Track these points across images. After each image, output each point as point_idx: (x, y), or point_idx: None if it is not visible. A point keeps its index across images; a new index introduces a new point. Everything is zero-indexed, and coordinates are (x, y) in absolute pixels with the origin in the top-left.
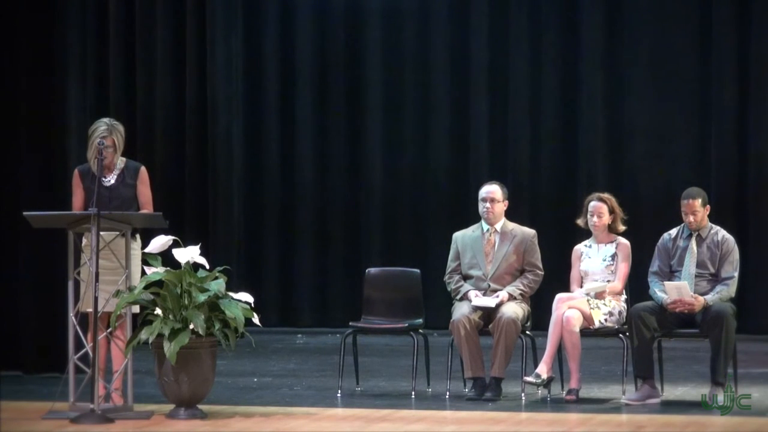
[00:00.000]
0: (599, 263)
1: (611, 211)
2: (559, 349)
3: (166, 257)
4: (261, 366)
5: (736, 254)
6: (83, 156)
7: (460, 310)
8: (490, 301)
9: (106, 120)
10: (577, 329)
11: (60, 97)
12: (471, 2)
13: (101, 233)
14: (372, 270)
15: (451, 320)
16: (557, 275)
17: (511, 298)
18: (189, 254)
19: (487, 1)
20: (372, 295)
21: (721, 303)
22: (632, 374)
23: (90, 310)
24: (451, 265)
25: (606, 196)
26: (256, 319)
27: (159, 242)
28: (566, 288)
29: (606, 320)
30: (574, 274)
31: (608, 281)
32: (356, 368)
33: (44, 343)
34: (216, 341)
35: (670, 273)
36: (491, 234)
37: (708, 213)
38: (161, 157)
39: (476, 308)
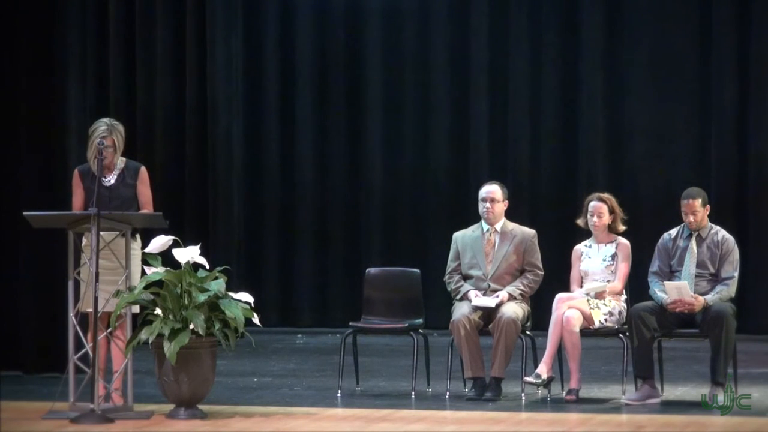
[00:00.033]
0: (599, 263)
1: (611, 211)
2: (559, 349)
3: (166, 257)
4: (261, 366)
5: (736, 254)
6: (83, 156)
7: (460, 310)
8: (490, 301)
9: (106, 120)
10: (577, 329)
11: (60, 97)
12: (471, 2)
13: (101, 233)
14: (372, 270)
15: (451, 320)
16: (557, 275)
17: (511, 298)
18: (189, 254)
19: (487, 1)
20: (372, 295)
21: (721, 303)
22: (632, 374)
23: (90, 310)
24: (451, 265)
25: (606, 196)
26: (256, 319)
27: (159, 242)
28: (566, 288)
29: (606, 320)
30: (574, 274)
31: (608, 281)
32: (356, 368)
33: (44, 343)
34: (216, 341)
35: (670, 273)
36: (491, 234)
37: (708, 213)
38: (161, 157)
39: (476, 308)
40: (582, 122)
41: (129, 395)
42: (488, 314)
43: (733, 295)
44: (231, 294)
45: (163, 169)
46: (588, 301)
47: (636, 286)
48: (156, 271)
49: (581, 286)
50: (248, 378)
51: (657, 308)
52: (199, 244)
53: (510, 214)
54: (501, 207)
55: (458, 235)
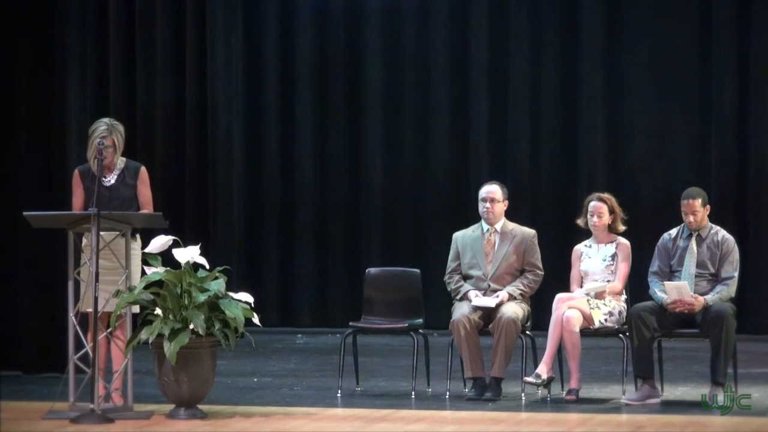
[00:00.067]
0: (599, 263)
1: (611, 211)
2: (559, 349)
3: (166, 257)
4: (261, 366)
5: (736, 254)
6: (83, 156)
7: (460, 310)
8: (490, 301)
9: (106, 120)
10: (577, 329)
11: (60, 97)
12: (471, 2)
13: (101, 233)
14: (372, 270)
15: (451, 320)
16: (557, 275)
17: (511, 298)
18: (189, 254)
19: (487, 1)
20: (372, 295)
21: (721, 303)
22: (632, 374)
23: (90, 310)
24: (451, 265)
25: (606, 196)
26: (256, 319)
27: (159, 242)
28: (566, 288)
29: (606, 320)
30: (574, 274)
31: (608, 281)
32: (356, 368)
33: (44, 343)
34: (216, 341)
35: (670, 273)
36: (491, 234)
37: (708, 213)
38: (161, 157)
39: (476, 308)
40: (582, 122)
41: (129, 395)
42: (488, 314)
43: (733, 295)
44: (231, 294)
45: (163, 169)
46: (588, 301)
47: (636, 286)
48: (156, 271)
49: (581, 286)
50: (248, 378)
51: (657, 308)
52: (199, 244)
53: (510, 214)
54: (501, 207)
55: (458, 235)
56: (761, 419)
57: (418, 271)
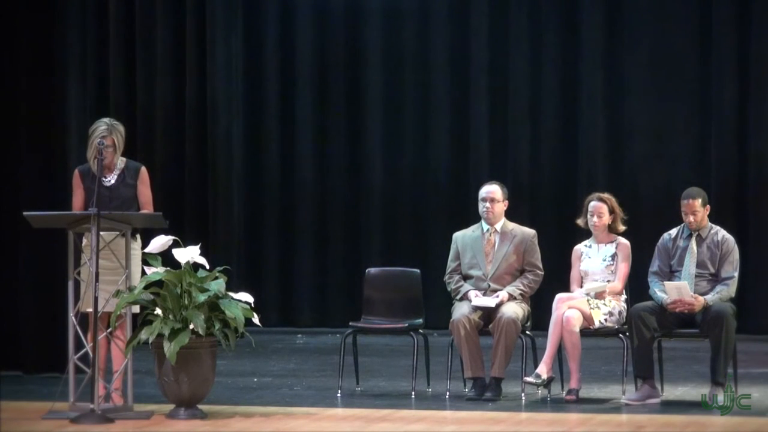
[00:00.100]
0: (599, 263)
1: (611, 211)
2: (559, 349)
3: (166, 257)
4: (261, 366)
5: (736, 254)
6: (83, 156)
7: (460, 310)
8: (490, 301)
9: (106, 120)
10: (577, 329)
11: (60, 97)
12: (471, 2)
13: (101, 233)
14: (372, 270)
15: (451, 320)
16: (557, 275)
17: (511, 298)
18: (189, 254)
19: (487, 1)
20: (372, 295)
21: (721, 303)
22: (632, 374)
23: (90, 310)
24: (451, 265)
25: (606, 196)
26: (256, 319)
27: (159, 242)
28: (566, 288)
29: (606, 320)
30: (574, 274)
31: (608, 281)
32: (356, 368)
33: (44, 343)
34: (216, 341)
35: (670, 273)
36: (491, 234)
37: (708, 213)
38: (161, 157)
39: (476, 308)
40: (582, 122)
41: (129, 395)
42: (488, 314)
43: (733, 295)
44: (231, 294)
45: (163, 169)
46: (588, 301)
47: (636, 286)
48: (156, 271)
49: (581, 286)
50: (248, 378)
51: (657, 308)
52: (199, 244)
53: (510, 214)
54: (501, 207)
55: (458, 235)
56: (761, 419)
57: (418, 271)
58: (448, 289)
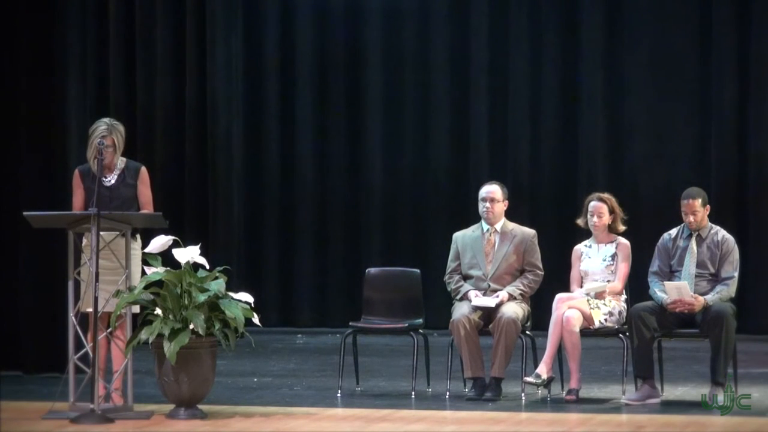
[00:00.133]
0: (599, 263)
1: (611, 211)
2: (559, 349)
3: (166, 257)
4: (261, 366)
5: (736, 254)
6: (83, 156)
7: (460, 310)
8: (490, 301)
9: (106, 120)
10: (577, 329)
11: (60, 97)
12: (471, 2)
13: (101, 233)
14: (372, 270)
15: (451, 320)
16: (557, 275)
17: (511, 298)
18: (189, 254)
19: (487, 1)
20: (372, 295)
21: (721, 303)
22: (632, 374)
23: (90, 310)
24: (451, 265)
25: (606, 196)
26: (256, 319)
27: (159, 242)
28: (566, 288)
29: (606, 320)
30: (574, 274)
31: (608, 281)
32: (356, 368)
33: (44, 343)
34: (216, 341)
35: (670, 273)
36: (491, 234)
37: (708, 213)
38: (161, 157)
39: (476, 308)
40: (582, 122)
41: (129, 395)
42: (488, 314)
43: (733, 295)
44: (231, 294)
45: (163, 169)
46: (588, 301)
47: (636, 286)
48: (156, 271)
49: (581, 286)
50: (248, 378)
51: (657, 308)
52: (199, 244)
53: (510, 214)
54: (501, 207)
55: (458, 235)
56: (761, 419)
57: (418, 271)
58: (448, 289)
